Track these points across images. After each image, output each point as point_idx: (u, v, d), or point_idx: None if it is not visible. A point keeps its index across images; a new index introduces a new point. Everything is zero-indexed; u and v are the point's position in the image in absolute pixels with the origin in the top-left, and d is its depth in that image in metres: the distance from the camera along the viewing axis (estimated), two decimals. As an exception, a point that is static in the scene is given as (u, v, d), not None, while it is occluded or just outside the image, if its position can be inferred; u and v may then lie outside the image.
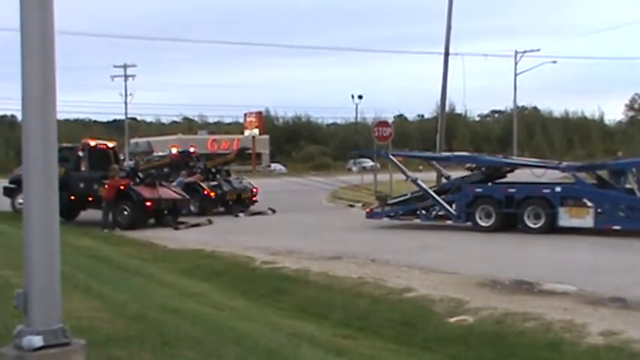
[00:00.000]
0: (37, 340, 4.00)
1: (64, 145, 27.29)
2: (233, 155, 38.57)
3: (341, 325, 10.91)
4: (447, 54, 37.79)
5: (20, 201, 26.05)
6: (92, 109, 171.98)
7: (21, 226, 4.27)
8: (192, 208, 29.51)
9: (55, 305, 4.14)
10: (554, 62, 76.42)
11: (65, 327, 4.15)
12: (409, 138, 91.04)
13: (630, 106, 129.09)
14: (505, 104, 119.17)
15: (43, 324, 4.07)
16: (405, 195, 26.36)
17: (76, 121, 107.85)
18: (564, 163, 25.54)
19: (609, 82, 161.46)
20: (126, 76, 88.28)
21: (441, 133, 37.91)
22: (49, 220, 4.14)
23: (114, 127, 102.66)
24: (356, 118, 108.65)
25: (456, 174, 27.16)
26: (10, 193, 29.46)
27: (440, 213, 24.27)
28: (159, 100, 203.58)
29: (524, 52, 74.46)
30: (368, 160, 69.01)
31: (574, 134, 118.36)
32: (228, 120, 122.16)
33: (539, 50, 74.70)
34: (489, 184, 24.34)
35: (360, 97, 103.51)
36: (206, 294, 13.01)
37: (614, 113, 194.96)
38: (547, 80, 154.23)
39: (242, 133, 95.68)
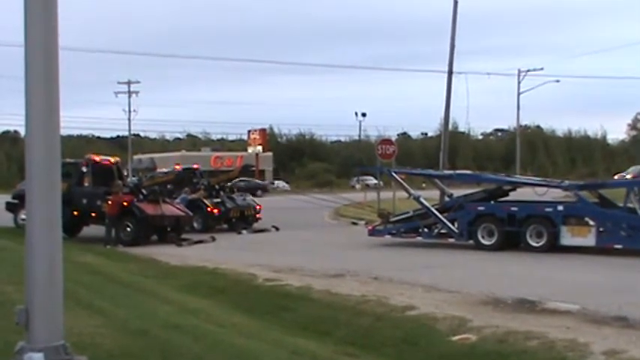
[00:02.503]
0: (38, 357, 3.98)
1: (68, 160, 27.39)
2: (236, 172, 38.60)
3: (343, 342, 10.87)
4: (450, 72, 37.89)
5: (23, 216, 26.08)
6: (95, 125, 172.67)
7: (23, 241, 4.26)
8: (195, 225, 29.51)
9: (57, 322, 4.13)
10: (558, 81, 76.43)
11: (67, 344, 4.13)
12: (412, 156, 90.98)
13: (633, 126, 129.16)
14: (508, 123, 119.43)
15: (45, 341, 4.05)
16: (408, 213, 26.35)
17: (80, 136, 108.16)
18: (567, 182, 25.52)
19: (612, 101, 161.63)
20: (130, 93, 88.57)
21: (444, 151, 37.93)
22: (52, 235, 4.13)
23: (117, 144, 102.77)
24: (359, 135, 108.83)
25: (458, 192, 27.15)
26: (12, 208, 29.49)
27: (442, 231, 24.27)
28: (162, 117, 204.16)
29: (528, 71, 74.62)
30: (371, 177, 68.99)
31: (577, 153, 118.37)
32: (231, 137, 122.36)
33: (542, 69, 74.90)
34: (492, 202, 24.35)
35: (364, 114, 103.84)
36: (208, 311, 12.99)
37: (617, 132, 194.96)
38: (550, 99, 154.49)
39: (245, 150, 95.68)
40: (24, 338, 4.11)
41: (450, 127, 50.71)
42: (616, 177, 22.15)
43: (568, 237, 21.94)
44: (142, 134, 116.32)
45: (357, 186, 78.80)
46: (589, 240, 21.66)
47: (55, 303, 4.13)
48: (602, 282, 16.31)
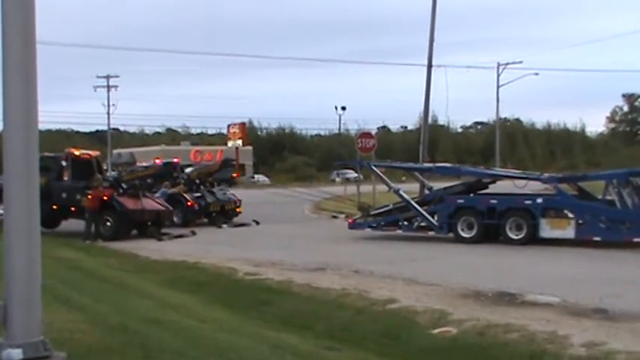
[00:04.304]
0: (17, 354, 3.96)
1: (48, 154, 27.21)
2: (217, 166, 38.47)
3: (324, 336, 10.88)
4: (429, 66, 37.93)
5: (0, 211, 25.91)
6: (74, 120, 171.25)
7: (0, 236, 4.22)
8: (175, 219, 29.41)
9: (36, 317, 4.10)
10: (536, 74, 76.79)
11: (46, 339, 4.11)
12: (392, 149, 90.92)
13: (611, 118, 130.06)
14: (488, 116, 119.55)
15: (23, 337, 4.03)
16: (388, 206, 26.38)
17: (58, 131, 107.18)
18: (546, 175, 25.63)
19: (591, 94, 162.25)
20: (109, 87, 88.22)
21: (424, 144, 37.98)
22: (30, 230, 4.10)
23: (96, 138, 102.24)
24: (339, 129, 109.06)
25: (438, 185, 27.21)
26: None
27: (422, 224, 24.30)
28: (142, 111, 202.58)
29: (507, 64, 74.89)
30: (351, 171, 68.99)
31: (556, 146, 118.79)
32: (211, 131, 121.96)
33: (521, 62, 75.16)
34: (471, 195, 24.41)
35: (344, 108, 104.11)
36: (189, 305, 12.96)
37: (596, 125, 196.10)
38: (529, 92, 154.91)
39: (225, 144, 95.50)
40: (2, 334, 4.08)
41: (430, 120, 50.77)
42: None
43: (547, 229, 22.05)
44: (121, 128, 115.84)
45: (338, 180, 78.77)
46: (568, 232, 21.77)
47: (33, 299, 4.10)
48: (582, 274, 16.39)
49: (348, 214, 31.24)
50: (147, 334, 8.98)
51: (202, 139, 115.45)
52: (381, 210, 26.48)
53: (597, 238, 21.28)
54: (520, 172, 29.40)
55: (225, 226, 30.53)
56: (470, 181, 26.17)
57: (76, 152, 28.91)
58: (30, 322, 4.07)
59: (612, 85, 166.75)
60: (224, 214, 31.84)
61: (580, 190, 23.50)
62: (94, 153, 29.95)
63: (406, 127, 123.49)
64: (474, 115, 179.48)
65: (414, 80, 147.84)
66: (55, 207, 26.31)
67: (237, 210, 32.73)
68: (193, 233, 27.07)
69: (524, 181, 24.57)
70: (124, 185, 27.56)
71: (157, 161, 35.30)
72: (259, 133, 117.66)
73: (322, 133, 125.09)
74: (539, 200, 22.64)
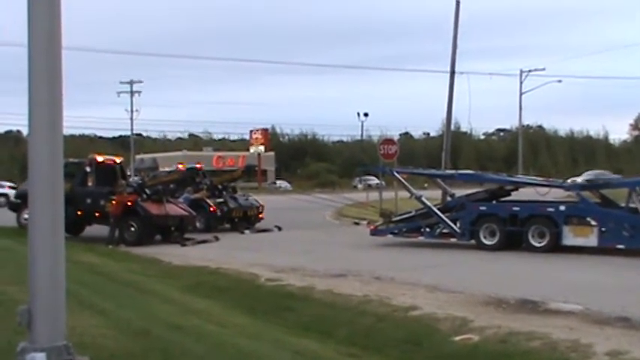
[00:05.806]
0: (41, 358, 3.98)
1: (72, 160, 27.38)
2: (240, 172, 38.60)
3: (345, 343, 10.88)
4: (452, 73, 37.88)
5: (26, 216, 26.05)
6: (98, 125, 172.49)
7: (25, 241, 4.26)
8: (197, 224, 29.46)
9: (59, 322, 4.12)
10: (559, 81, 76.39)
11: (69, 344, 4.13)
12: (414, 156, 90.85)
13: (635, 126, 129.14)
14: (510, 123, 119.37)
15: (47, 341, 4.04)
16: (410, 212, 26.33)
17: (82, 136, 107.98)
18: (568, 182, 25.53)
19: (614, 101, 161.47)
20: (132, 92, 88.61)
21: (447, 151, 37.93)
22: (55, 235, 4.12)
23: (119, 143, 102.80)
24: (362, 135, 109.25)
25: (460, 192, 27.13)
26: (15, 207, 29.45)
27: (444, 231, 24.25)
28: (165, 117, 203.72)
29: (530, 71, 74.55)
30: (373, 177, 68.92)
31: (579, 153, 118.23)
32: (233, 137, 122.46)
33: (544, 69, 74.79)
34: (493, 202, 24.33)
35: (366, 114, 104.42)
36: (210, 311, 12.99)
37: (619, 132, 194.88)
38: (552, 99, 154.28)
39: (247, 150, 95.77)
40: (26, 338, 4.11)
41: (453, 127, 50.70)
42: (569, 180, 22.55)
43: (570, 237, 21.93)
44: (144, 134, 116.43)
45: (360, 186, 78.74)
46: (591, 240, 21.64)
47: (57, 303, 4.12)
48: (605, 282, 16.30)
49: (370, 221, 31.20)
50: (168, 339, 9.03)
51: (224, 144, 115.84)
52: (403, 216, 26.44)
53: (620, 246, 21.16)
54: (542, 179, 29.26)
55: (247, 231, 30.58)
56: (492, 188, 26.10)
57: (100, 158, 29.06)
58: (54, 327, 4.08)
59: (636, 93, 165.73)
60: (246, 220, 31.92)
61: (603, 197, 23.38)
62: (117, 158, 30.08)
63: (428, 134, 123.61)
64: (497, 122, 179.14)
65: (437, 87, 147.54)
66: (79, 212, 26.46)
67: (260, 216, 32.80)
68: (216, 239, 27.12)
69: (546, 189, 24.46)
70: (147, 191, 27.67)
71: (180, 166, 35.43)
72: (281, 139, 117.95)
73: (344, 139, 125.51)
74: (562, 208, 22.53)
